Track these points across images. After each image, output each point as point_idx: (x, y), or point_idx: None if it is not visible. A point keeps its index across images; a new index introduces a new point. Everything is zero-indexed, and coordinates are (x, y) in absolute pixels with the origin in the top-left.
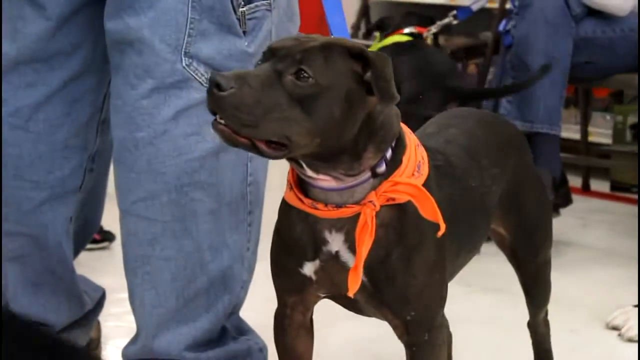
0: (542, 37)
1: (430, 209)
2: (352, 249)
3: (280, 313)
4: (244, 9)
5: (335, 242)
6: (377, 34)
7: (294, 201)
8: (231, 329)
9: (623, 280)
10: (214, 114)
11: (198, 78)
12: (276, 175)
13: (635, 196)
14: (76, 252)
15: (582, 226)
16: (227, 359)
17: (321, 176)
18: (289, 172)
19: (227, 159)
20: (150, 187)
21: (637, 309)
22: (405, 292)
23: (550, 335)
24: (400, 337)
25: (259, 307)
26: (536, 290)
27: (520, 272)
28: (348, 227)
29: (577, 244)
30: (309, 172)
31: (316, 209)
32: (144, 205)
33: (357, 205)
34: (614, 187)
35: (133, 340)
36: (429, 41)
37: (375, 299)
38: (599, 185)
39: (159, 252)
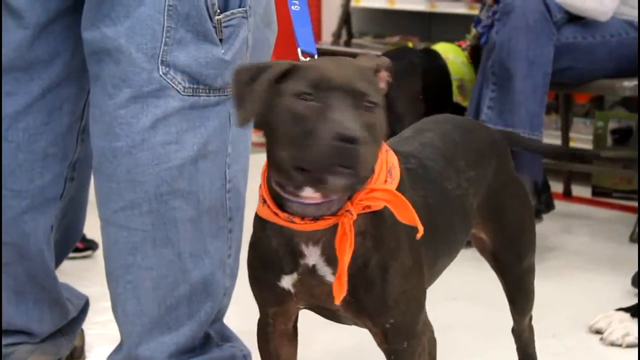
0: (523, 43)
1: (407, 214)
2: (329, 262)
3: (262, 322)
4: (220, 16)
5: (312, 256)
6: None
7: (268, 216)
8: (215, 336)
9: (605, 285)
10: (346, 167)
11: (175, 86)
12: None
13: (617, 201)
14: (59, 261)
15: (564, 231)
16: None
17: (315, 194)
18: (260, 187)
19: (205, 166)
20: (130, 196)
21: (619, 312)
22: (384, 299)
23: (535, 341)
24: (380, 345)
25: (243, 314)
26: (520, 297)
27: (503, 278)
28: (324, 239)
29: (559, 249)
30: (309, 193)
31: (293, 222)
32: (124, 214)
33: (333, 216)
34: (595, 193)
35: (117, 349)
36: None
37: (353, 307)
38: (581, 190)
39: (140, 261)
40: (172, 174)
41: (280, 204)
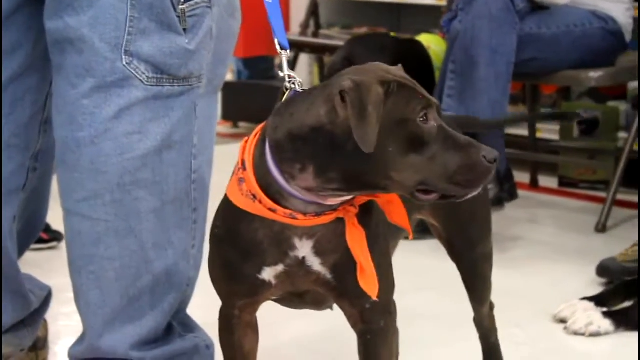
0: (486, 31)
1: (400, 214)
2: (318, 253)
3: (227, 313)
4: (184, 6)
5: (303, 249)
6: None
7: (260, 212)
8: (178, 327)
9: (570, 275)
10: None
11: (139, 76)
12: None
13: (583, 192)
14: (21, 252)
15: (530, 222)
16: (174, 357)
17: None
18: (246, 184)
19: (170, 157)
20: (93, 186)
21: (583, 302)
22: None
23: (497, 330)
24: (354, 326)
25: (207, 305)
26: (475, 284)
27: (458, 265)
28: (320, 233)
29: (525, 239)
30: (334, 200)
31: (295, 219)
32: (87, 204)
33: (334, 211)
34: (562, 183)
35: (79, 340)
36: None
37: (337, 291)
38: (548, 181)
39: (103, 251)
40: (135, 164)
41: (276, 200)
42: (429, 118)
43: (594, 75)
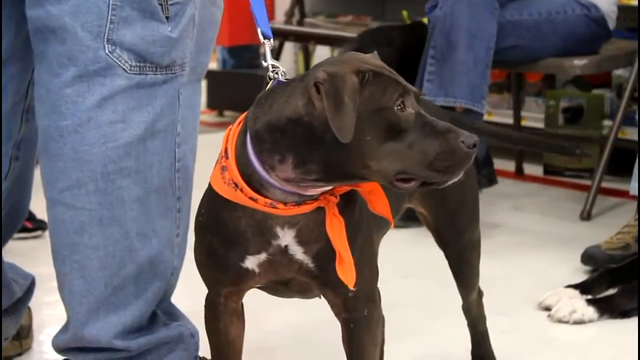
0: (465, 16)
1: (382, 204)
2: (301, 242)
3: (212, 301)
4: None
5: (285, 237)
6: None
7: (242, 200)
8: (162, 315)
9: (555, 263)
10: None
11: (122, 65)
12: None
13: (568, 179)
14: (4, 241)
15: (515, 210)
16: (158, 345)
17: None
18: (228, 172)
19: (154, 145)
20: (76, 175)
21: (569, 289)
22: None
23: (486, 318)
24: (338, 314)
25: (191, 294)
26: (463, 272)
27: (446, 253)
28: (302, 222)
29: (510, 227)
30: (314, 190)
31: (275, 208)
32: (71, 194)
33: (315, 201)
34: (547, 171)
35: (63, 329)
36: None
37: (320, 280)
38: (532, 169)
39: (87, 240)
40: (119, 153)
41: (257, 189)
42: (406, 105)
43: (579, 63)
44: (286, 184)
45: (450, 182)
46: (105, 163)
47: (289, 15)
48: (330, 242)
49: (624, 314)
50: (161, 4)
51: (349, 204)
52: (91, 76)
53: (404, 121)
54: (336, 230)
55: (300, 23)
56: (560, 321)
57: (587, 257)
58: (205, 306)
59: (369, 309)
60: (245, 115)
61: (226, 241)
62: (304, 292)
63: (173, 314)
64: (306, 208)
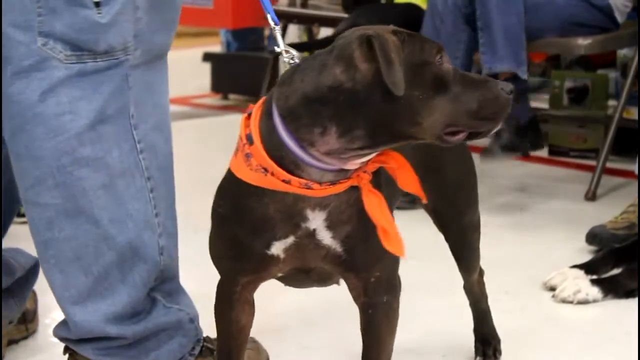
0: None
1: (411, 180)
2: (330, 226)
3: (228, 290)
4: None
5: (315, 220)
6: None
7: (272, 185)
8: (162, 298)
9: (560, 243)
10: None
11: (56, 56)
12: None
13: (573, 160)
14: (4, 230)
15: (520, 190)
16: (156, 332)
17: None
18: (255, 158)
19: (107, 130)
20: (34, 173)
21: (574, 269)
22: (374, 253)
23: (487, 296)
24: (356, 299)
25: (199, 277)
26: (463, 253)
27: (445, 235)
28: (333, 204)
29: (515, 208)
30: (355, 161)
31: (310, 188)
32: (34, 191)
33: (348, 179)
34: (552, 152)
35: (62, 321)
36: None
37: (344, 265)
38: None
39: (57, 234)
40: (71, 144)
41: (290, 170)
42: (444, 60)
43: (583, 42)
44: (327, 157)
45: (494, 131)
46: (59, 156)
47: None
48: (359, 223)
49: (629, 294)
50: None
51: (377, 183)
52: (27, 72)
53: (447, 74)
54: (375, 205)
55: (304, 5)
56: (564, 301)
57: (592, 237)
58: (218, 294)
59: (388, 296)
60: (263, 102)
61: (252, 229)
62: (323, 280)
63: (173, 296)
64: (340, 187)
